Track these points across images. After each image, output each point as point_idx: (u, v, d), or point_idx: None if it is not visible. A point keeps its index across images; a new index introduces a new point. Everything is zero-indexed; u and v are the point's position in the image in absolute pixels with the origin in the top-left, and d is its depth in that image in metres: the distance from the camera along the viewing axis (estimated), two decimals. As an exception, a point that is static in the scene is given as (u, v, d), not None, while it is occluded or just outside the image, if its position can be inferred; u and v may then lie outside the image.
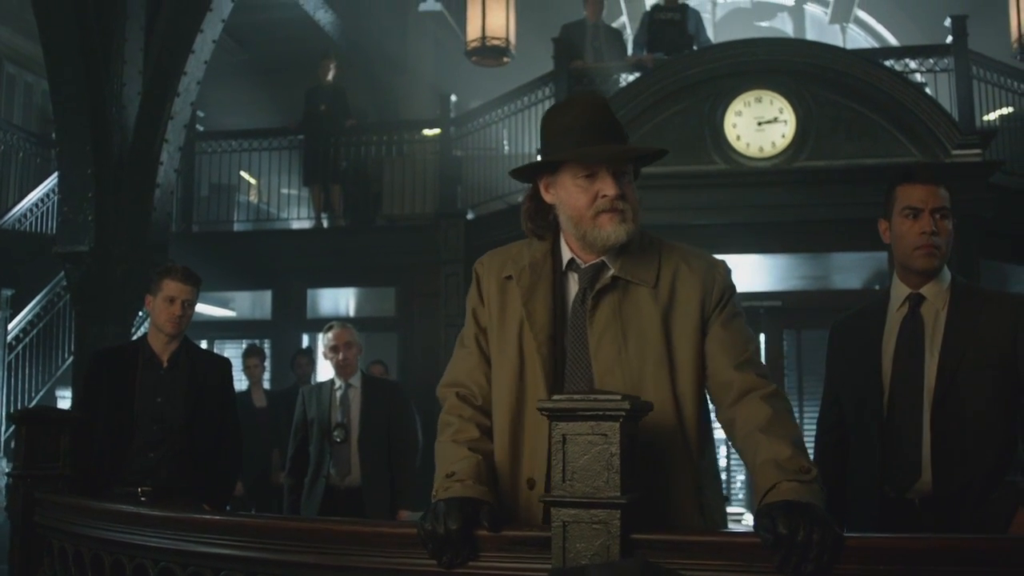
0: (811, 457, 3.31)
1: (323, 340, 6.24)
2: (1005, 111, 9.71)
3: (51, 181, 11.35)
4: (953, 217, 3.09)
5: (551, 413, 1.94)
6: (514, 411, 2.38)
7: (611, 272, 2.39)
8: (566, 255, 2.47)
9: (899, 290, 3.16)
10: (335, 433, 5.97)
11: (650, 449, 2.25)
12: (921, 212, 3.04)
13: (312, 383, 8.95)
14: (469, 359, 2.51)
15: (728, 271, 2.50)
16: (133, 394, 4.40)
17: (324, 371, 10.36)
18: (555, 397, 1.98)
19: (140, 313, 8.49)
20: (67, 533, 2.92)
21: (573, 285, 2.45)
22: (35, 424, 3.15)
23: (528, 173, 2.51)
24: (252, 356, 8.80)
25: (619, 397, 1.91)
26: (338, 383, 6.12)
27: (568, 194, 2.38)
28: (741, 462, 9.16)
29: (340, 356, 6.08)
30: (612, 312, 2.37)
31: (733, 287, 2.49)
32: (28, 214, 11.24)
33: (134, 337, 8.47)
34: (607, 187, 2.33)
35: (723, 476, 9.36)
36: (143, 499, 4.17)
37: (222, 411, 4.59)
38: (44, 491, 3.09)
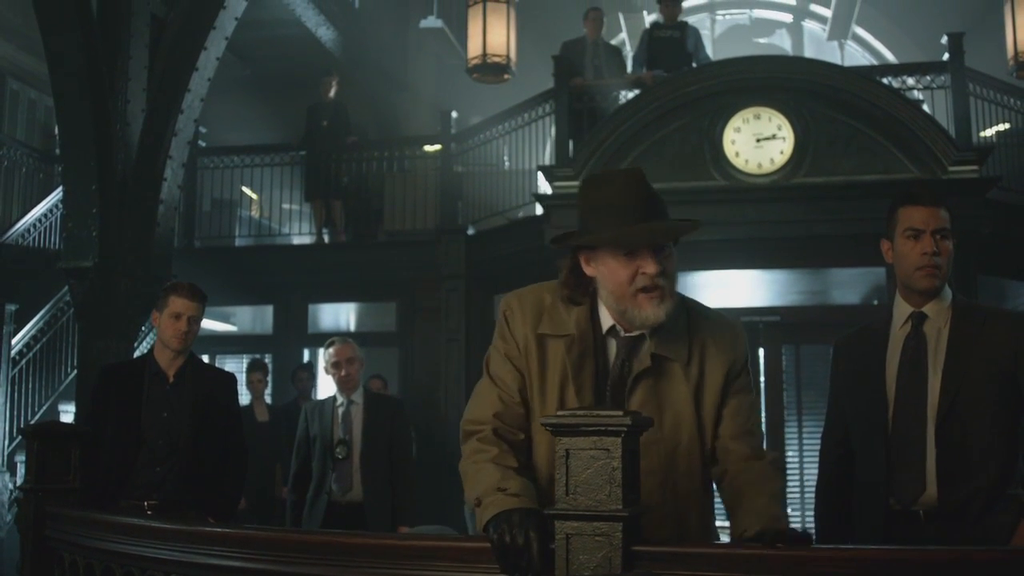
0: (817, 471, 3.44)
1: (324, 356, 6.25)
2: (1002, 127, 9.79)
3: (54, 196, 11.41)
4: (953, 237, 3.16)
5: (555, 428, 1.99)
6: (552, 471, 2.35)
7: (648, 350, 2.43)
8: (606, 320, 2.48)
9: (901, 308, 3.22)
10: (337, 450, 5.99)
11: (678, 517, 2.39)
12: (922, 233, 3.10)
13: (313, 398, 9.01)
14: (510, 403, 2.49)
15: (746, 339, 2.60)
16: (140, 409, 4.46)
17: (325, 386, 10.42)
18: (559, 412, 2.03)
19: (143, 328, 8.55)
20: (78, 546, 2.97)
21: (612, 349, 2.48)
22: (46, 439, 3.21)
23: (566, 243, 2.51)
24: (255, 371, 8.85)
25: (620, 413, 1.96)
26: (340, 399, 6.14)
27: (609, 270, 2.39)
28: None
29: (342, 372, 6.09)
30: (648, 392, 2.43)
31: (748, 354, 2.60)
32: (31, 229, 11.28)
33: (137, 351, 8.53)
34: (647, 266, 2.35)
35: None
36: (149, 512, 4.22)
37: (227, 426, 4.65)
38: (55, 505, 3.14)
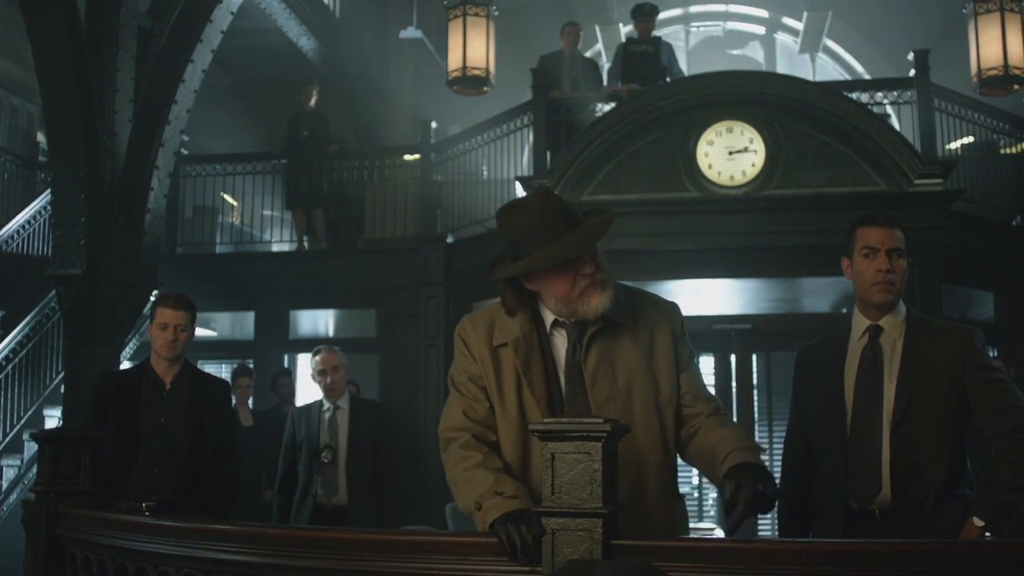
0: (780, 473, 3.69)
1: (311, 363, 6.40)
2: (966, 141, 10.03)
3: (37, 203, 11.48)
4: (908, 255, 3.40)
5: (542, 434, 2.19)
6: (520, 464, 2.65)
7: (598, 323, 2.68)
8: (548, 317, 2.74)
9: (859, 322, 3.45)
10: (323, 454, 6.14)
11: (639, 467, 2.60)
12: (878, 252, 3.33)
13: (294, 403, 9.15)
14: (479, 408, 2.72)
15: (681, 311, 2.88)
16: (138, 415, 4.65)
17: (305, 391, 10.55)
18: (546, 420, 2.23)
19: (130, 334, 8.67)
20: (91, 544, 3.14)
21: (560, 341, 2.73)
22: (57, 443, 3.39)
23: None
24: (242, 376, 8.95)
25: (601, 420, 2.16)
26: (326, 405, 6.29)
27: (550, 283, 2.65)
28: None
29: (328, 379, 6.25)
30: (602, 353, 2.68)
31: (684, 325, 2.89)
32: (15, 236, 11.33)
33: (124, 357, 8.67)
34: (584, 268, 2.61)
35: (695, 494, 9.66)
36: (147, 513, 4.39)
37: (221, 431, 4.84)
38: (66, 505, 3.32)
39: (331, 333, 12.66)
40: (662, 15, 11.88)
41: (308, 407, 6.47)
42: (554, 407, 2.67)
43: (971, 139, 10.08)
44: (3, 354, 9.26)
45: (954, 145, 9.90)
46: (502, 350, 2.72)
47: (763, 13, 16.14)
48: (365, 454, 6.21)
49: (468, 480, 2.57)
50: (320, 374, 6.27)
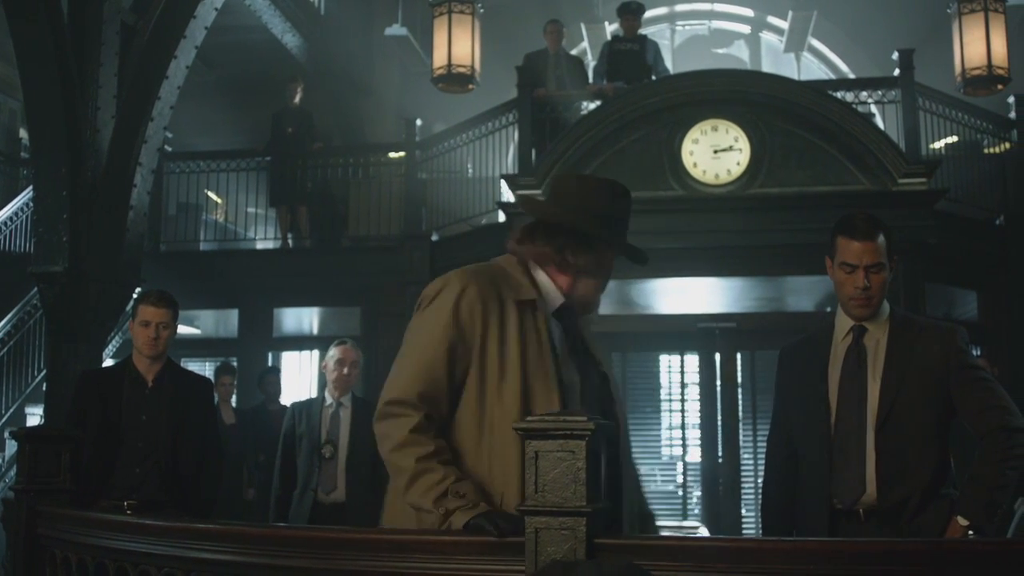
0: (764, 472, 3.70)
1: (329, 353, 6.35)
2: (950, 140, 10.07)
3: (19, 200, 11.42)
4: (890, 264, 3.33)
5: (525, 433, 2.18)
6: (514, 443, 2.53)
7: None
8: (556, 299, 2.76)
9: (843, 321, 3.45)
10: (324, 448, 6.14)
11: None
12: (856, 268, 3.31)
13: (279, 401, 9.13)
14: (439, 382, 2.62)
15: None
16: (119, 412, 4.63)
17: (291, 390, 10.51)
18: (529, 418, 2.22)
19: (112, 332, 8.63)
20: (71, 543, 3.12)
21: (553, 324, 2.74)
22: (37, 441, 3.36)
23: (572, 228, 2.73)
24: (224, 374, 8.93)
25: (585, 418, 2.16)
26: (329, 400, 6.25)
27: (594, 270, 2.77)
28: (697, 478, 9.46)
29: (344, 370, 6.20)
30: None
31: None
32: (-3, 232, 11.31)
33: (106, 355, 8.63)
34: (608, 277, 2.85)
35: (679, 493, 9.68)
36: (128, 512, 4.37)
37: (203, 429, 4.83)
38: (47, 504, 3.29)
39: (315, 331, 12.62)
40: (648, 13, 11.88)
41: (309, 402, 6.44)
42: (561, 383, 2.64)
43: (955, 139, 10.11)
44: (-16, 351, 9.22)
45: (938, 144, 9.93)
46: (510, 308, 2.64)
47: (748, 12, 16.17)
48: (365, 453, 6.16)
49: (422, 473, 2.50)
50: (337, 363, 6.22)
